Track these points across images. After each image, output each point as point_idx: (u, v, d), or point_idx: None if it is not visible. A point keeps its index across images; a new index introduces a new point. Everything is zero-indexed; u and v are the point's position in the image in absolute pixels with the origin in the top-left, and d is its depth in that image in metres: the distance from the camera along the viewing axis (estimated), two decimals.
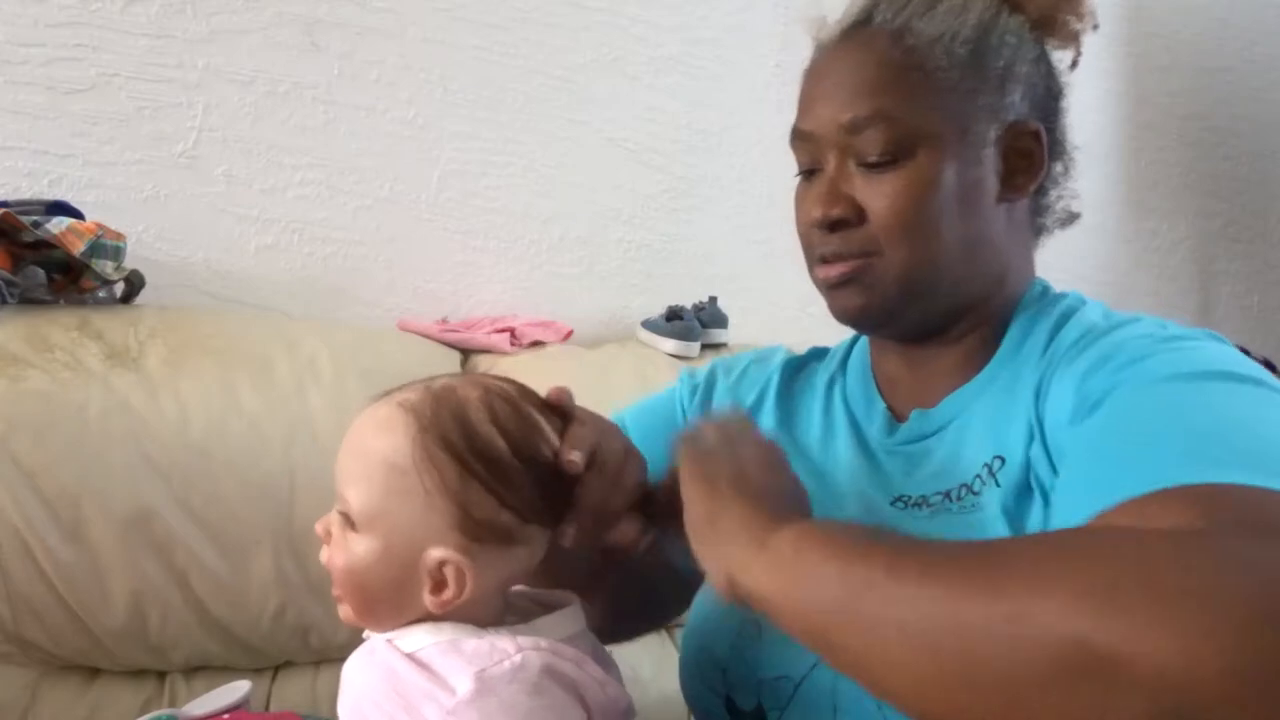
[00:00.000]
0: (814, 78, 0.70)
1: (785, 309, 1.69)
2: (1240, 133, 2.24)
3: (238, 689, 0.80)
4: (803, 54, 0.73)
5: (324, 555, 0.59)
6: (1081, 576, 0.38)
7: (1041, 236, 0.76)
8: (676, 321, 1.48)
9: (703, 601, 0.74)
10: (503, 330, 1.40)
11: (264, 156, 1.39)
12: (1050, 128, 0.71)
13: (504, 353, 1.36)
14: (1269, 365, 1.92)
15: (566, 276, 1.59)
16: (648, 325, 1.50)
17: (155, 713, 0.78)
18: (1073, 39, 0.73)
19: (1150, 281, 2.15)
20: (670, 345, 1.45)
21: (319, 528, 0.60)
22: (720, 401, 0.84)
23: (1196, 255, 2.21)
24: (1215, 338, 0.60)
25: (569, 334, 1.49)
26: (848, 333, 0.80)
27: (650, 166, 1.65)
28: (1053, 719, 0.37)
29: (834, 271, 0.67)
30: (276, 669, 1.12)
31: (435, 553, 0.55)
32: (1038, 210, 0.73)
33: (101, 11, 1.30)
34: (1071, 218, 0.76)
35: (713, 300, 1.55)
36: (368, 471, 0.57)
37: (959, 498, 0.63)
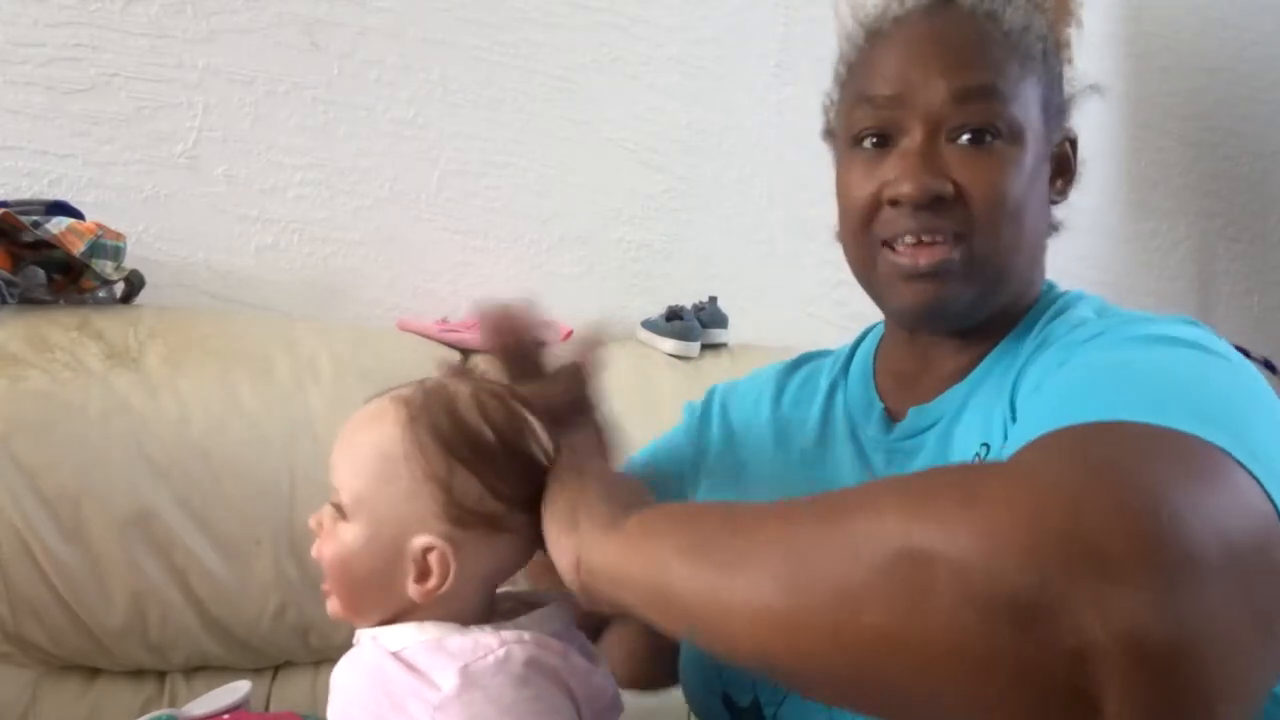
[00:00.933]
0: (897, 46, 0.65)
1: (785, 309, 1.69)
2: (1240, 133, 2.24)
3: (238, 689, 0.80)
4: (804, 54, 0.73)
5: (315, 548, 0.60)
6: (907, 494, 0.40)
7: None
8: (676, 321, 1.48)
9: None
10: None
11: (264, 156, 1.39)
12: (1074, 138, 0.71)
13: None
14: (1269, 365, 1.91)
15: (566, 276, 1.59)
16: (648, 325, 1.50)
17: (155, 713, 0.78)
18: (1065, 46, 0.74)
19: (1150, 281, 2.15)
20: (670, 345, 1.45)
21: (312, 521, 0.60)
22: (715, 422, 0.84)
23: (1196, 255, 2.21)
24: (1190, 321, 0.59)
25: (569, 334, 1.49)
26: (849, 334, 0.80)
27: (650, 166, 1.65)
28: (882, 616, 0.38)
29: (921, 257, 0.62)
30: (276, 669, 1.12)
31: (420, 539, 0.56)
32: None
33: (101, 11, 1.30)
34: (1056, 227, 0.76)
35: (713, 300, 1.55)
36: (357, 460, 0.58)
37: None
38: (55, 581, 0.99)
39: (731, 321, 1.57)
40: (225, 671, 1.08)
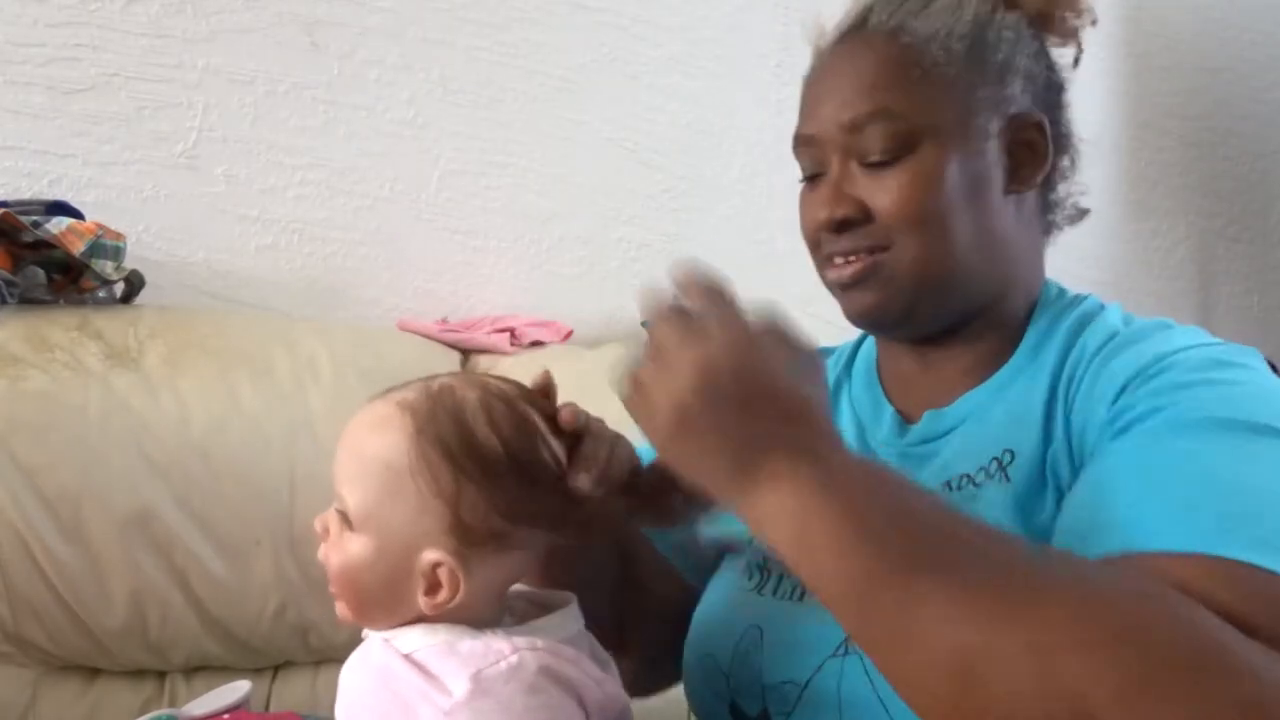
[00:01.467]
0: (814, 83, 0.71)
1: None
2: (1240, 133, 2.24)
3: (238, 689, 0.80)
4: (803, 54, 0.73)
5: (321, 552, 0.59)
6: (1122, 644, 0.38)
7: (1051, 234, 0.75)
8: None
9: (704, 609, 0.74)
10: (503, 330, 1.40)
11: (264, 156, 1.39)
12: (1054, 120, 0.70)
13: (504, 353, 1.36)
14: (1270, 366, 1.91)
15: (566, 276, 1.59)
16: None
17: (155, 713, 0.78)
18: (1072, 35, 0.72)
19: (1150, 281, 2.15)
20: None
21: (317, 524, 0.60)
22: None
23: (1196, 255, 2.21)
24: (1256, 358, 0.59)
25: (569, 334, 1.49)
26: (849, 334, 0.79)
27: (650, 166, 1.65)
28: None
29: (845, 271, 0.67)
30: (276, 669, 1.12)
31: (429, 555, 0.55)
32: (1046, 207, 0.73)
33: (101, 11, 1.30)
34: (1081, 214, 0.75)
35: None
36: (363, 471, 0.57)
37: (958, 487, 0.63)
38: (55, 581, 0.99)
39: None
40: (225, 671, 1.08)
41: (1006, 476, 0.61)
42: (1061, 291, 0.72)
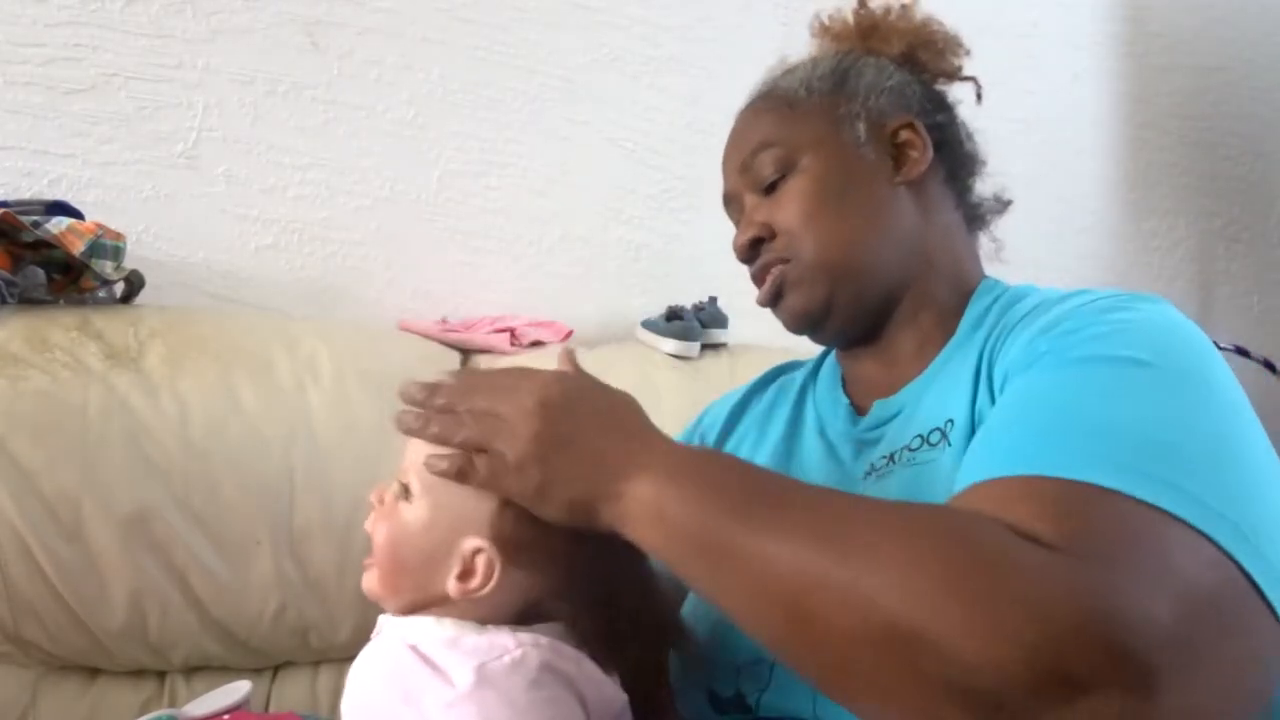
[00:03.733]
0: (723, 156, 0.82)
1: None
2: (1240, 133, 2.24)
3: (238, 689, 0.80)
4: (803, 54, 0.77)
5: (369, 522, 0.62)
6: (920, 562, 0.45)
7: (978, 228, 0.82)
8: (676, 321, 1.48)
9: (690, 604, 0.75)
10: (503, 330, 1.40)
11: (264, 156, 1.39)
12: (934, 124, 0.77)
13: (504, 353, 1.36)
14: (1269, 366, 1.91)
15: (566, 276, 1.59)
16: (648, 325, 1.50)
17: (155, 713, 0.78)
18: (950, 72, 0.81)
19: (1150, 281, 2.15)
20: (670, 345, 1.45)
21: (374, 496, 0.62)
22: (707, 433, 0.90)
23: (1196, 255, 2.21)
24: (1154, 303, 0.62)
25: (569, 334, 1.49)
26: None
27: (650, 166, 1.65)
28: (866, 675, 0.45)
29: (763, 291, 0.77)
30: (276, 669, 1.12)
31: (472, 540, 0.58)
32: (963, 202, 0.80)
33: (101, 11, 1.30)
34: (1004, 205, 0.83)
35: (713, 300, 1.55)
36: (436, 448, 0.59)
37: (914, 448, 0.67)
38: (55, 581, 0.99)
39: (731, 321, 1.56)
40: (225, 671, 1.08)
41: (949, 441, 0.65)
42: (998, 283, 0.77)
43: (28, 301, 1.14)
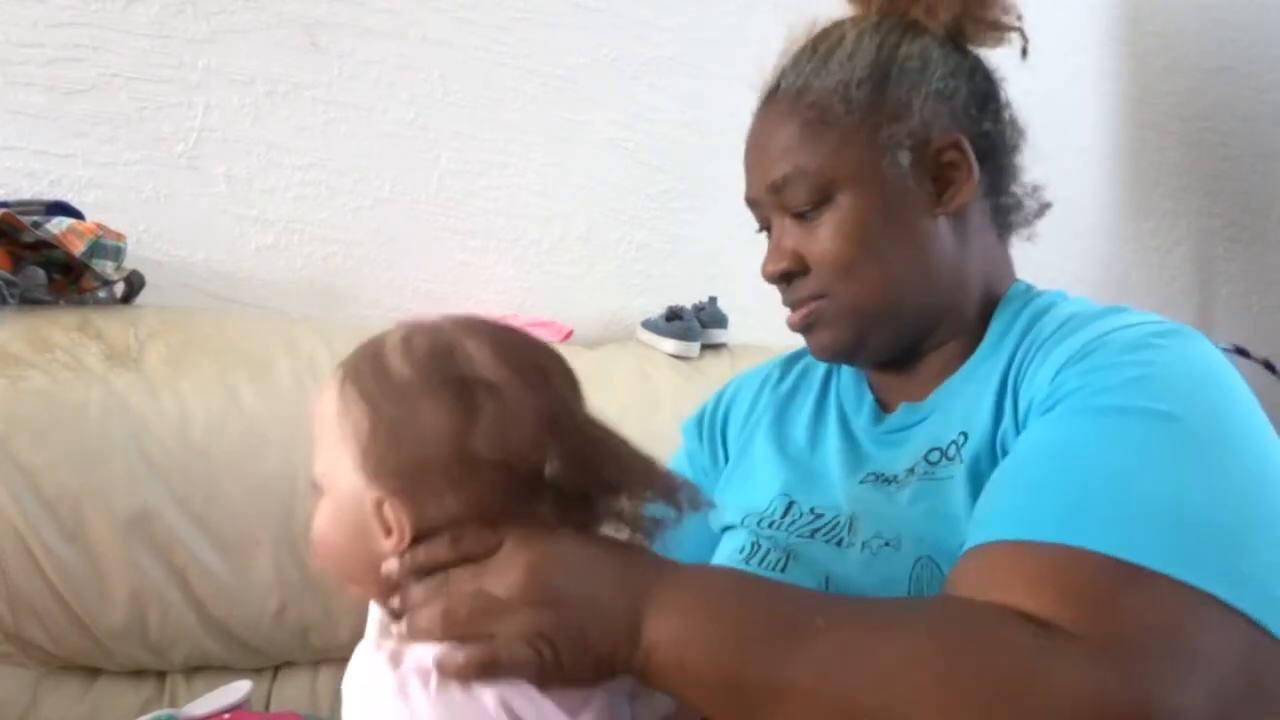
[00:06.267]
0: (747, 149, 0.78)
1: (785, 309, 1.68)
2: (1240, 133, 2.24)
3: (238, 689, 0.80)
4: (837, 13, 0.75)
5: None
6: (951, 686, 0.46)
7: (1012, 233, 0.77)
8: (676, 321, 1.48)
9: None
10: None
11: (264, 156, 1.39)
12: (979, 132, 0.72)
13: None
14: (1269, 366, 1.91)
15: (566, 276, 1.59)
16: (648, 325, 1.50)
17: (156, 713, 0.78)
18: (999, 33, 0.74)
19: (1150, 281, 2.15)
20: (670, 345, 1.45)
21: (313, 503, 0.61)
22: (718, 432, 0.88)
23: (1196, 255, 2.21)
24: (1188, 339, 0.60)
25: (569, 334, 1.49)
26: None
27: (650, 166, 1.65)
28: None
29: (795, 318, 0.74)
30: (276, 669, 1.12)
31: (371, 494, 0.55)
32: (1000, 210, 0.75)
33: (101, 11, 1.30)
34: (1043, 208, 0.78)
35: (713, 300, 1.55)
36: (316, 434, 0.58)
37: (933, 461, 0.66)
38: (55, 581, 0.99)
39: (731, 321, 1.57)
40: (225, 671, 1.08)
41: (961, 457, 0.64)
42: (1028, 289, 0.75)
43: (28, 302, 1.14)
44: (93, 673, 1.05)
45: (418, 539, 0.54)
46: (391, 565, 0.54)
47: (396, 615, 0.55)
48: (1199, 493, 0.50)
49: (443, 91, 1.50)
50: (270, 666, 1.12)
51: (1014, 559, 0.50)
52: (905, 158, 0.69)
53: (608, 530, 0.57)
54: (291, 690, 1.11)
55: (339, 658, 1.11)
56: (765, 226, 0.76)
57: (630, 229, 1.64)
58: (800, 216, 0.71)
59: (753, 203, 0.77)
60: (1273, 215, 2.28)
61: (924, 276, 0.70)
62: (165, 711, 0.78)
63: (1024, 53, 0.75)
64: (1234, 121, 2.24)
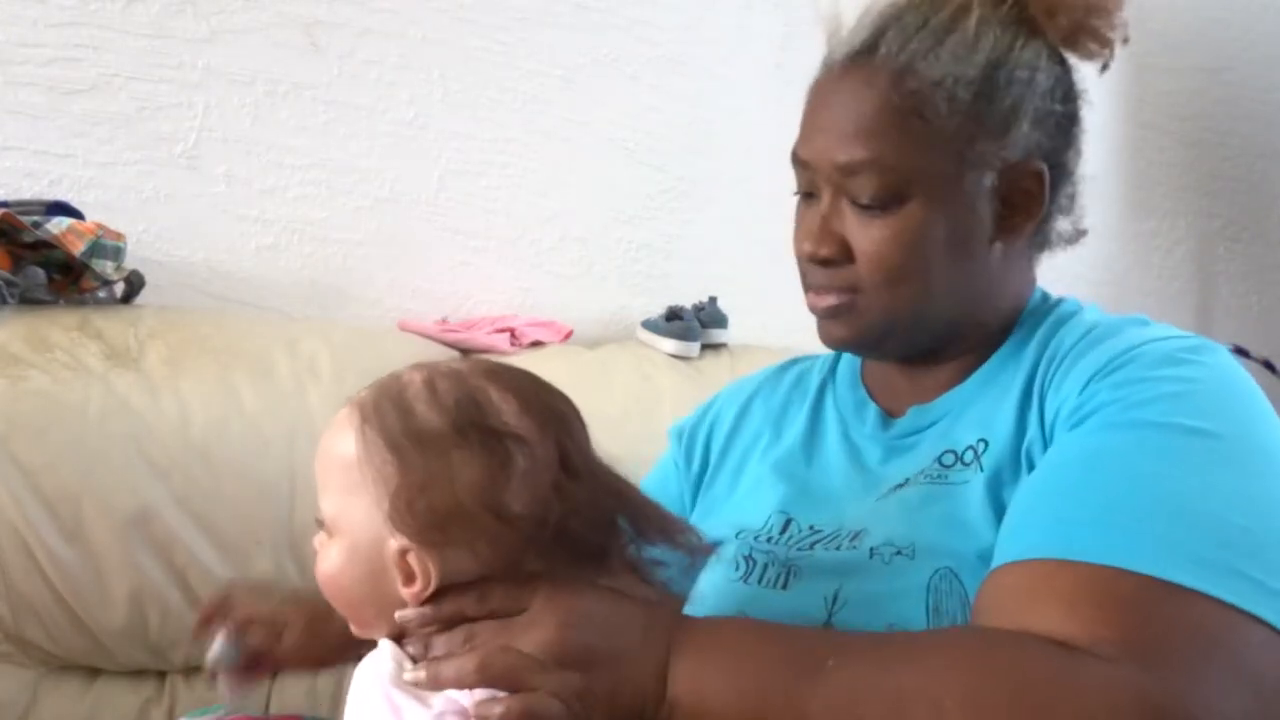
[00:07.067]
0: (816, 103, 0.70)
1: (785, 309, 1.67)
2: (1240, 133, 2.24)
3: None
4: (804, 54, 0.73)
5: (316, 570, 0.59)
6: (985, 712, 0.45)
7: (1045, 252, 0.75)
8: (676, 321, 1.48)
9: (692, 603, 0.74)
10: (503, 330, 1.40)
11: (264, 156, 1.39)
12: (1058, 162, 0.69)
13: (504, 353, 1.36)
14: (1269, 366, 1.91)
15: (566, 276, 1.59)
16: (648, 325, 1.50)
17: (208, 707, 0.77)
18: (1105, 46, 0.70)
19: (1150, 281, 2.15)
20: (670, 345, 1.45)
21: (315, 542, 0.59)
22: (703, 437, 0.85)
23: (1196, 255, 2.21)
24: (1215, 354, 0.60)
25: (569, 334, 1.49)
26: None
27: (650, 166, 1.65)
28: None
29: (821, 302, 0.70)
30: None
31: (394, 542, 0.54)
32: (1044, 236, 0.73)
33: (101, 11, 1.30)
34: (1078, 234, 0.75)
35: (713, 300, 1.55)
36: (326, 474, 0.57)
37: (947, 464, 0.65)
38: (55, 581, 0.99)
39: (731, 321, 1.57)
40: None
41: (980, 464, 0.63)
42: (1045, 296, 0.74)
43: (28, 302, 1.14)
44: (93, 673, 1.05)
45: (441, 589, 0.54)
46: (409, 614, 0.54)
47: (414, 659, 0.54)
48: (1237, 512, 0.50)
49: (443, 91, 1.50)
50: None
51: (1051, 577, 0.49)
52: (989, 179, 0.66)
53: (623, 575, 0.57)
54: (291, 690, 1.10)
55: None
56: (809, 192, 0.70)
57: (630, 229, 1.64)
58: (860, 206, 0.66)
59: (805, 163, 0.69)
60: (1273, 215, 2.28)
61: (962, 296, 0.69)
62: (218, 705, 0.77)
63: (1104, 68, 0.71)
64: (1234, 121, 2.24)
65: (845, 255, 0.67)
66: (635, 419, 1.25)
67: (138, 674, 1.06)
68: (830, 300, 0.69)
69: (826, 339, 0.72)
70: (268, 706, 1.09)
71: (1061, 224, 0.73)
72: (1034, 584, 0.50)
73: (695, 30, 1.68)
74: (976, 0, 0.66)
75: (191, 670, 1.08)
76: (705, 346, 1.50)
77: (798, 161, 0.70)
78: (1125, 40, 0.70)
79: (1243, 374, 0.59)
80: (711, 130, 1.69)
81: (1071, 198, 0.73)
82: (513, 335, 1.40)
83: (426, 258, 1.49)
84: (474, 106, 1.52)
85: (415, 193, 1.48)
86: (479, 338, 1.38)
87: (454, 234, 1.51)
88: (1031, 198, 0.68)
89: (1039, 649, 0.46)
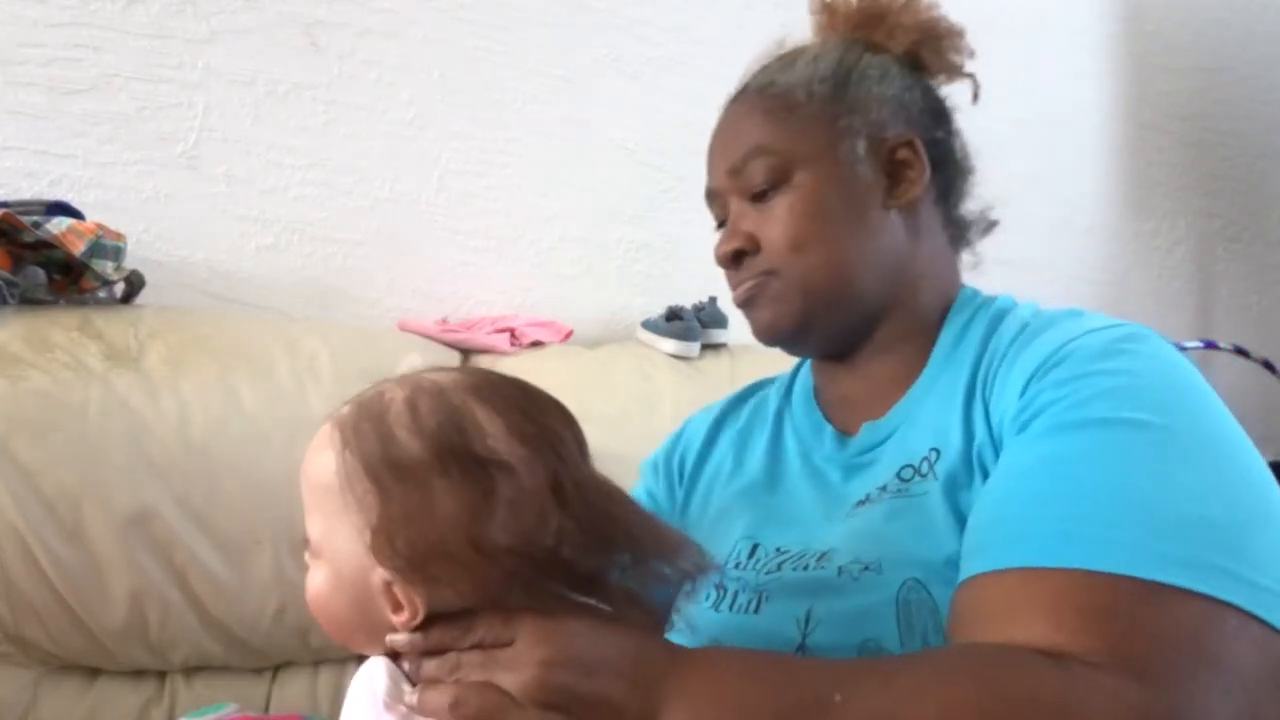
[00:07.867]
0: (710, 145, 0.80)
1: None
2: (1240, 133, 2.24)
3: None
4: (804, 37, 0.76)
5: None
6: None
7: (963, 247, 0.79)
8: (676, 321, 1.48)
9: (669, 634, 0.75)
10: (503, 330, 1.40)
11: (264, 156, 1.39)
12: (933, 140, 0.74)
13: (504, 353, 1.36)
14: (1269, 366, 1.91)
15: (566, 276, 1.59)
16: (648, 325, 1.50)
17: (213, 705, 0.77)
18: (952, 70, 0.77)
19: (1150, 281, 2.15)
20: (670, 345, 1.45)
21: (307, 557, 0.58)
22: (672, 469, 0.86)
23: (1196, 255, 2.21)
24: (1150, 341, 0.61)
25: (569, 334, 1.49)
26: None
27: (650, 166, 1.65)
28: None
29: (740, 293, 0.74)
30: (276, 669, 1.12)
31: (379, 574, 0.52)
32: (951, 223, 0.77)
33: (101, 11, 1.30)
34: (990, 225, 0.80)
35: (712, 300, 1.55)
36: (309, 495, 0.55)
37: (905, 478, 0.65)
38: (55, 581, 0.99)
39: (731, 321, 1.57)
40: (225, 671, 1.08)
41: (935, 474, 0.63)
42: (976, 293, 0.76)
43: (28, 302, 1.14)
44: (93, 673, 1.05)
45: (429, 618, 0.52)
46: (399, 640, 0.52)
47: (410, 678, 0.53)
48: (1194, 501, 0.50)
49: (443, 91, 1.50)
50: (270, 666, 1.12)
51: (1028, 586, 0.50)
52: (861, 145, 0.72)
53: (618, 599, 0.55)
54: (291, 690, 1.11)
55: (339, 658, 1.11)
56: (722, 220, 0.78)
57: (630, 229, 1.64)
58: (757, 199, 0.73)
59: (712, 195, 0.79)
60: (1273, 215, 2.29)
61: (872, 263, 0.71)
62: (225, 703, 0.77)
63: (975, 97, 0.78)
64: (1234, 121, 2.24)
65: (754, 246, 0.73)
66: (635, 419, 1.25)
67: (138, 674, 1.06)
68: (748, 285, 0.73)
69: (757, 331, 0.75)
70: (268, 706, 1.09)
71: (970, 211, 0.78)
72: (1012, 594, 0.50)
73: (695, 30, 1.68)
74: (817, 40, 0.78)
75: (191, 670, 1.08)
76: (705, 346, 1.50)
77: (707, 198, 0.79)
78: (972, 54, 0.78)
79: (1180, 359, 0.60)
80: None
81: (964, 187, 0.78)
82: (513, 335, 1.40)
83: (426, 258, 1.49)
84: (474, 106, 1.52)
85: (415, 193, 1.49)
86: (479, 338, 1.38)
87: (454, 234, 1.51)
88: (910, 165, 0.73)
89: (1040, 667, 0.46)
